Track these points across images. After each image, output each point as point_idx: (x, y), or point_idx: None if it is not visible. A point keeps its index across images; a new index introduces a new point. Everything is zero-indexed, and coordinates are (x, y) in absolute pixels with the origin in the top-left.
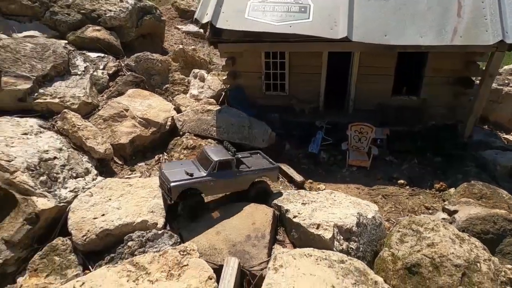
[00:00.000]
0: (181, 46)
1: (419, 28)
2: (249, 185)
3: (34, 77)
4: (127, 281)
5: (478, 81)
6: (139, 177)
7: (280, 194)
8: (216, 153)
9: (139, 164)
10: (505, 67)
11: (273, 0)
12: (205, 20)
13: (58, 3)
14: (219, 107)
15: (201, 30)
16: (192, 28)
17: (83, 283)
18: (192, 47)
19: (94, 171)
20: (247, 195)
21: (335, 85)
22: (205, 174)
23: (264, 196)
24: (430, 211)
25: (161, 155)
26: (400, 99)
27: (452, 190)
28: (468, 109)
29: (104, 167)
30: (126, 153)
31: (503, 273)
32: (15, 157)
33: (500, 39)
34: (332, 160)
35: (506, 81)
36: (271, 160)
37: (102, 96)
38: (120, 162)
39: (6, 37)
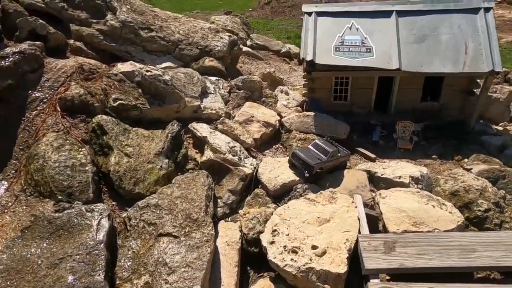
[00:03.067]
0: (268, 70)
1: (442, 61)
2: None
3: (198, 96)
4: (309, 205)
5: (478, 91)
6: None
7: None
8: (328, 146)
9: (265, 152)
10: None
11: (348, 44)
12: (308, 58)
13: (183, 42)
14: (313, 114)
15: (250, 50)
16: (244, 49)
17: (288, 207)
18: (273, 69)
19: (248, 155)
20: (337, 167)
21: (381, 95)
22: (326, 159)
23: (344, 167)
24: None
25: (277, 145)
26: (426, 104)
27: (465, 160)
28: (472, 109)
29: (248, 152)
30: (257, 144)
31: (499, 193)
32: (221, 146)
33: (491, 69)
34: (387, 145)
35: (494, 89)
36: (345, 149)
37: (227, 108)
38: (255, 150)
39: (165, 70)
